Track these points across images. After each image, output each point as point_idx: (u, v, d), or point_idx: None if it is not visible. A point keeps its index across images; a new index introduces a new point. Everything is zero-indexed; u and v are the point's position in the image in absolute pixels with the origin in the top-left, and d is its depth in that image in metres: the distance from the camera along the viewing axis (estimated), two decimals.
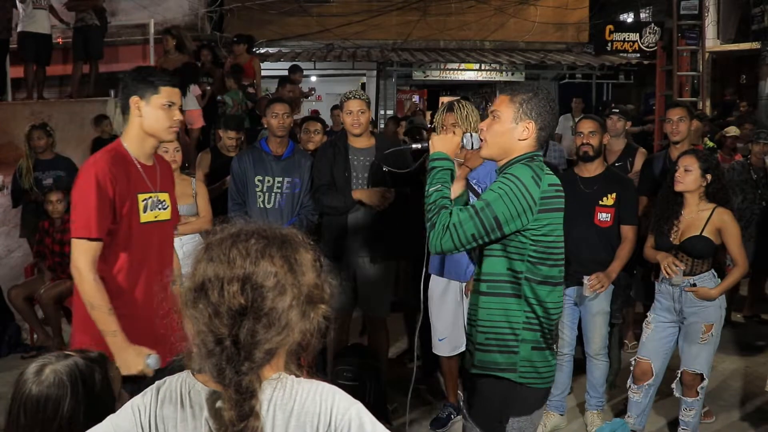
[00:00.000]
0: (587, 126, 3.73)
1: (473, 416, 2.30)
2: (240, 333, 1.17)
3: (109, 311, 2.28)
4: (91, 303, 2.28)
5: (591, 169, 3.75)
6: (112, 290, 2.36)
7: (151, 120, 2.44)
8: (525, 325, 2.18)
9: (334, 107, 8.54)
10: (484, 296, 2.23)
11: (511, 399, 2.20)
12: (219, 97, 8.04)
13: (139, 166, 2.49)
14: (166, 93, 2.44)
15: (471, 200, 3.60)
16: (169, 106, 2.45)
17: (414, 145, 2.65)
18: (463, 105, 3.65)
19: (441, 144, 2.26)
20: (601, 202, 3.69)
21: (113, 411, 1.50)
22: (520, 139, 2.21)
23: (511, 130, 2.21)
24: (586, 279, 3.57)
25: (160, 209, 2.56)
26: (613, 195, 3.68)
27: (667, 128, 4.29)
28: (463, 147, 2.39)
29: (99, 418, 1.46)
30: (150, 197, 2.51)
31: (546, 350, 2.23)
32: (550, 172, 2.20)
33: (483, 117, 2.87)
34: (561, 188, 2.21)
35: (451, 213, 2.10)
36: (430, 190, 2.16)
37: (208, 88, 8.25)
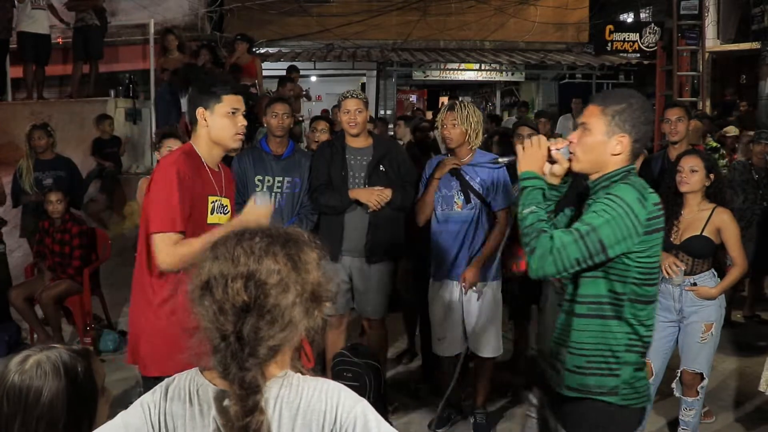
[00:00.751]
0: None
1: None
2: (243, 329, 1.18)
3: (198, 244, 2.23)
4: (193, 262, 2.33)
5: None
6: (174, 285, 2.38)
7: (216, 129, 2.51)
8: (627, 346, 2.08)
9: (334, 107, 8.54)
10: (582, 318, 2.12)
11: (613, 420, 2.12)
12: None
13: (208, 170, 2.57)
14: (229, 101, 2.50)
15: (459, 196, 3.64)
16: (233, 113, 2.50)
17: (501, 159, 2.62)
18: (464, 105, 3.66)
19: (528, 161, 2.13)
20: None
21: (95, 403, 1.52)
22: (613, 154, 2.07)
23: (603, 144, 2.06)
24: None
25: (222, 213, 2.63)
26: None
27: (665, 128, 4.29)
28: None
29: (80, 410, 1.48)
30: (217, 200, 2.59)
31: (644, 369, 2.16)
32: (652, 190, 2.08)
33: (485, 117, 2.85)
34: (662, 206, 2.09)
35: (552, 237, 1.98)
36: (525, 212, 2.05)
37: None
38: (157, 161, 3.53)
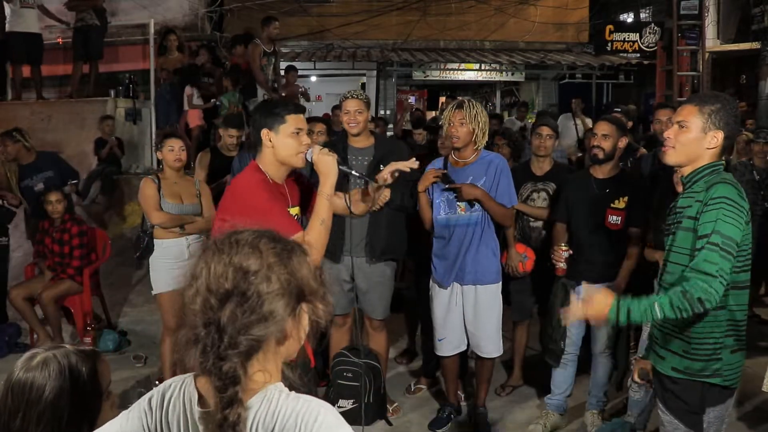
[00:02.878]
0: (601, 128, 3.70)
1: (672, 411, 2.40)
2: (222, 316, 1.16)
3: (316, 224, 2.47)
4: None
5: (605, 171, 3.73)
6: None
7: (280, 149, 2.57)
8: (727, 331, 2.35)
9: (335, 107, 8.55)
10: None
11: (710, 396, 2.36)
12: (212, 100, 8.04)
13: (275, 185, 2.64)
14: (293, 121, 2.57)
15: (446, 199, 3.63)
16: (297, 133, 2.56)
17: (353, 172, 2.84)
18: (473, 104, 3.62)
19: (598, 312, 2.25)
20: (612, 205, 3.66)
21: (98, 405, 1.53)
22: (708, 148, 2.33)
23: (700, 139, 2.32)
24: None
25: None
26: (625, 198, 3.66)
27: (656, 129, 4.28)
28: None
29: (82, 409, 1.49)
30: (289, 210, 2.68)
31: (742, 351, 2.44)
32: (738, 183, 2.34)
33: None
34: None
35: (696, 280, 2.15)
36: (660, 315, 2.18)
37: (213, 87, 8.25)
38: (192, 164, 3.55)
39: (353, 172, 2.88)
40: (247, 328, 1.17)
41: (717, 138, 2.31)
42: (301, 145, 2.55)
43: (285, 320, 1.20)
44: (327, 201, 2.47)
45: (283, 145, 2.55)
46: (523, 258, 4.02)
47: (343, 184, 3.80)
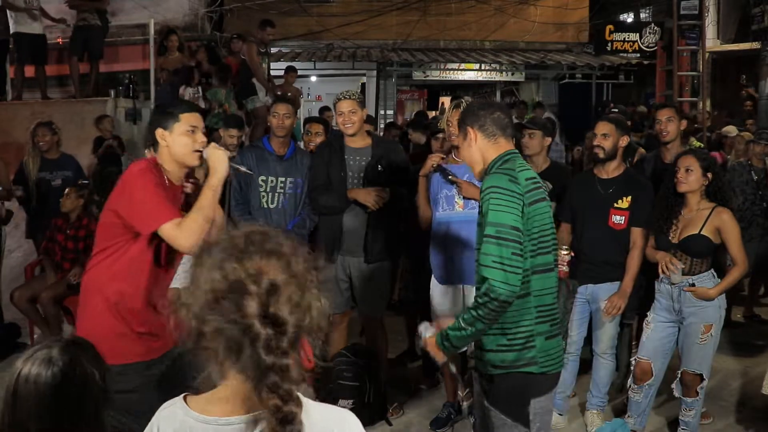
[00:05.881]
0: (602, 128, 3.70)
1: (497, 406, 2.37)
2: (277, 309, 1.14)
3: (199, 212, 2.48)
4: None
5: (609, 171, 3.72)
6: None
7: (175, 147, 2.58)
8: (537, 317, 2.28)
9: (324, 109, 8.58)
10: None
11: (531, 386, 2.32)
12: (198, 89, 8.07)
13: (171, 184, 2.64)
14: (186, 119, 2.59)
15: (460, 196, 3.62)
16: (192, 131, 2.58)
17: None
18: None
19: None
20: (616, 205, 3.66)
21: (101, 391, 1.56)
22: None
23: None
24: (602, 303, 3.64)
25: None
26: (629, 198, 3.65)
27: (656, 129, 4.29)
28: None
29: (86, 397, 1.52)
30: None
31: (557, 336, 2.35)
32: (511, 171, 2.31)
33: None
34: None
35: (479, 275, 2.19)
36: (457, 336, 2.26)
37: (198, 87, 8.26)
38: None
39: (243, 169, 2.98)
40: (302, 319, 1.17)
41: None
42: (196, 143, 2.58)
43: (315, 307, 1.20)
44: (211, 192, 2.52)
45: (178, 143, 2.57)
46: None
47: (340, 183, 3.82)
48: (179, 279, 4.01)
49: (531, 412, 2.32)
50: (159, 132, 2.58)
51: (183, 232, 2.41)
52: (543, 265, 2.29)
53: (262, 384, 1.13)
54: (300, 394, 1.20)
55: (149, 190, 2.45)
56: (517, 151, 2.40)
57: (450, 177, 3.57)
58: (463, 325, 2.21)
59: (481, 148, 2.37)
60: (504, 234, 2.15)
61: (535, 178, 2.33)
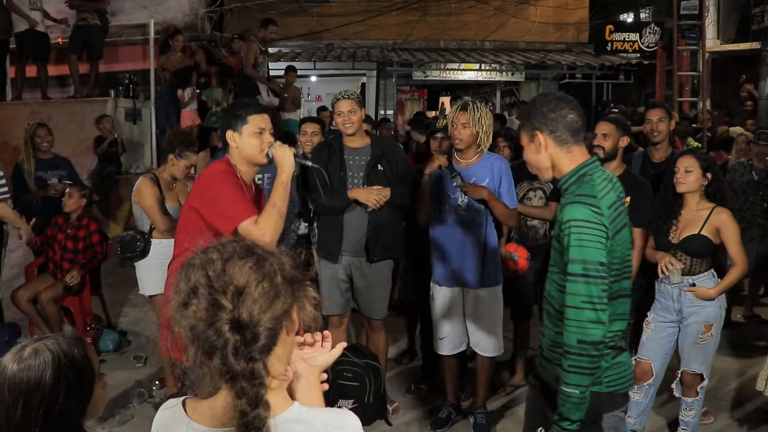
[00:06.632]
0: (602, 128, 3.70)
1: None
2: (241, 312, 1.15)
3: (272, 207, 2.62)
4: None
5: (608, 171, 3.72)
6: None
7: (244, 148, 2.73)
8: (608, 343, 2.14)
9: (321, 109, 8.58)
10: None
11: (601, 404, 2.20)
12: (196, 90, 8.08)
13: (244, 184, 2.79)
14: (254, 121, 2.72)
15: (462, 198, 3.63)
16: (260, 132, 2.72)
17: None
18: (477, 106, 3.62)
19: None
20: None
21: (92, 386, 1.56)
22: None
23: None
24: None
25: None
26: (628, 198, 3.65)
27: (646, 129, 4.30)
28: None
29: (78, 393, 1.52)
30: None
31: (624, 352, 2.24)
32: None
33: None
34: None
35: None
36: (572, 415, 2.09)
37: (197, 90, 8.26)
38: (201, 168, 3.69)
39: (309, 164, 3.13)
40: (266, 320, 1.16)
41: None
42: (264, 143, 2.71)
43: (292, 307, 1.20)
44: (282, 189, 2.64)
45: (247, 144, 2.70)
46: (514, 257, 4.02)
47: (340, 183, 3.81)
48: (155, 285, 4.05)
49: (604, 427, 2.24)
50: (229, 134, 2.72)
51: (260, 229, 2.54)
52: (620, 291, 2.17)
53: (233, 389, 1.15)
54: (283, 399, 1.21)
55: (227, 191, 2.61)
56: (594, 160, 2.20)
57: (454, 177, 3.57)
58: (568, 391, 2.05)
59: (552, 155, 2.16)
60: (592, 272, 2.01)
61: (617, 201, 2.17)
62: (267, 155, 2.72)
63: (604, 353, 2.10)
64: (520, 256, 4.04)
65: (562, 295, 2.14)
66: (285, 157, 2.65)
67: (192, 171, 4.23)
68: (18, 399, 1.48)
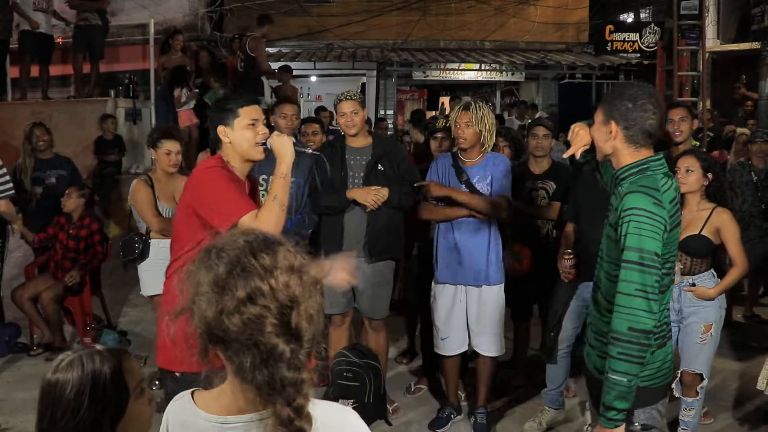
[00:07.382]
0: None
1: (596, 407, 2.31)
2: (299, 322, 1.14)
3: (272, 201, 2.49)
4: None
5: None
6: None
7: (238, 142, 2.56)
8: (658, 331, 2.16)
9: (320, 109, 8.57)
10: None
11: (636, 399, 2.17)
12: (196, 91, 8.09)
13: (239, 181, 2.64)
14: (246, 112, 2.55)
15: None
16: (252, 124, 2.55)
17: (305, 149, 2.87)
18: (479, 105, 3.63)
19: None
20: None
21: (124, 402, 1.55)
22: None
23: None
24: None
25: None
26: None
27: (669, 128, 4.28)
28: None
29: (104, 406, 1.52)
30: None
31: (663, 347, 2.24)
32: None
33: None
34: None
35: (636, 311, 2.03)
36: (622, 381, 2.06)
37: (197, 90, 8.26)
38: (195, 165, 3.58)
39: (309, 151, 2.97)
40: (311, 330, 1.16)
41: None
42: (258, 135, 2.55)
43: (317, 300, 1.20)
44: (282, 179, 2.52)
45: (241, 138, 2.54)
46: (518, 257, 4.02)
47: (341, 183, 3.82)
48: (155, 285, 4.03)
49: (635, 422, 2.24)
50: (220, 129, 2.56)
51: (262, 223, 2.39)
52: (665, 285, 2.17)
53: (276, 395, 1.13)
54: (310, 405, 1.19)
55: (221, 187, 2.46)
56: (658, 157, 2.18)
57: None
58: (616, 378, 2.05)
59: (617, 147, 2.16)
60: (648, 261, 2.02)
61: (676, 198, 2.17)
62: (265, 147, 2.59)
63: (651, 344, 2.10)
64: (524, 256, 4.04)
65: (611, 283, 2.16)
66: (284, 146, 2.53)
67: (177, 158, 4.15)
68: (48, 408, 1.54)
